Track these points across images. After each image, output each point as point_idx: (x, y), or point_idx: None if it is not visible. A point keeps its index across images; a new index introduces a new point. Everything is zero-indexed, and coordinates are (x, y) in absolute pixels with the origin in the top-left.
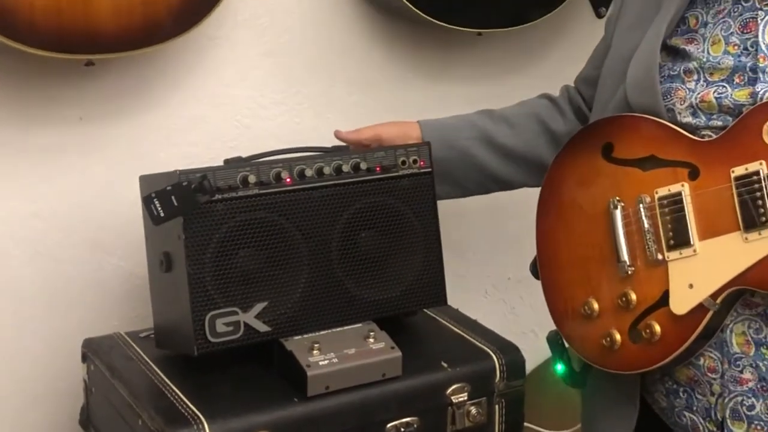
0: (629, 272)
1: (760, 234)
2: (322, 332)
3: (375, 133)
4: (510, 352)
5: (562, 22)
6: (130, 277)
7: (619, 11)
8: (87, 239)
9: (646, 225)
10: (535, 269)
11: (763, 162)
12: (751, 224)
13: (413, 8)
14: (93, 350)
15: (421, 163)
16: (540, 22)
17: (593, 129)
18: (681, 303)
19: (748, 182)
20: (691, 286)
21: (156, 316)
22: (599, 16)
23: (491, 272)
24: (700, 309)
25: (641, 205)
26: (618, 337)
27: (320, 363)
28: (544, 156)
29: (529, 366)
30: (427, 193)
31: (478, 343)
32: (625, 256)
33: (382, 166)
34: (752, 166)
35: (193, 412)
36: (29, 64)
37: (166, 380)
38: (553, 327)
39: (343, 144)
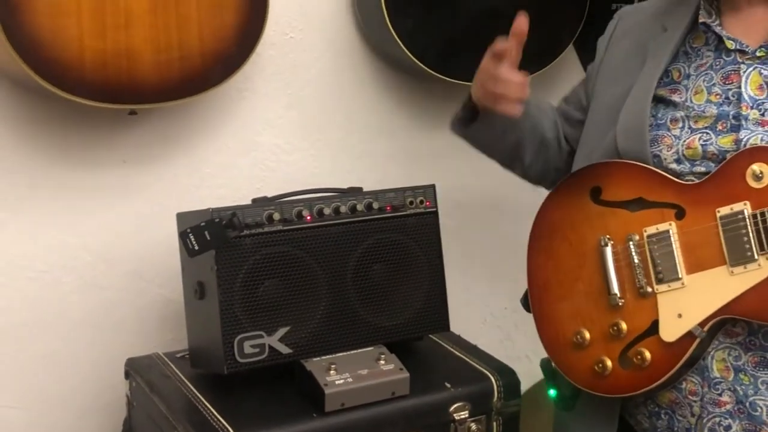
0: (620, 304)
1: (745, 268)
2: (338, 354)
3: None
4: (507, 375)
5: (554, 77)
6: (167, 303)
7: (600, 64)
8: (129, 269)
9: (636, 260)
10: (526, 303)
11: (747, 203)
12: (737, 259)
13: (420, 65)
14: (134, 369)
15: (427, 203)
16: (534, 77)
17: (581, 174)
18: (671, 331)
19: (734, 221)
20: (680, 315)
21: (191, 338)
22: (586, 70)
23: (489, 302)
24: (688, 336)
25: (631, 243)
26: (609, 363)
27: (336, 382)
28: (552, 153)
29: (524, 387)
30: (433, 230)
31: (478, 366)
32: (615, 289)
33: (392, 205)
34: (737, 206)
35: (223, 425)
36: (79, 112)
37: (200, 396)
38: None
39: (357, 186)
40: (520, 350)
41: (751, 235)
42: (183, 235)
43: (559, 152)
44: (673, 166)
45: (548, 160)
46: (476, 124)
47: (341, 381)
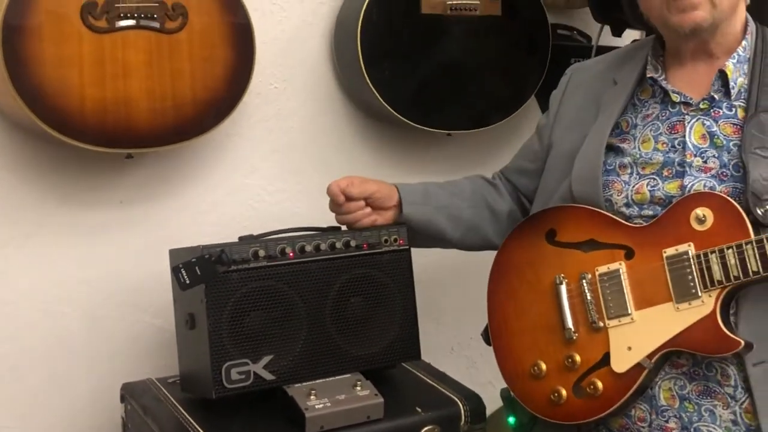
0: (574, 337)
1: (690, 304)
2: (318, 381)
3: (375, 189)
4: (473, 400)
5: (517, 125)
6: (160, 332)
7: (554, 119)
8: (125, 301)
9: (589, 297)
10: (487, 336)
11: (691, 244)
12: (682, 296)
13: (396, 114)
14: (129, 392)
15: (400, 241)
16: (499, 125)
17: (537, 218)
18: (621, 363)
19: (679, 260)
20: (629, 348)
21: (182, 365)
22: None
23: (456, 333)
24: (637, 367)
25: (584, 281)
26: (564, 392)
27: (316, 407)
28: (486, 229)
29: (488, 411)
30: (405, 266)
31: (446, 392)
32: (569, 323)
33: (368, 243)
34: (682, 248)
35: None
36: (80, 156)
37: (190, 419)
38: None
39: (336, 225)
40: (484, 377)
41: (695, 273)
42: (175, 270)
43: (508, 218)
44: (623, 209)
45: (499, 232)
46: None
47: (320, 405)
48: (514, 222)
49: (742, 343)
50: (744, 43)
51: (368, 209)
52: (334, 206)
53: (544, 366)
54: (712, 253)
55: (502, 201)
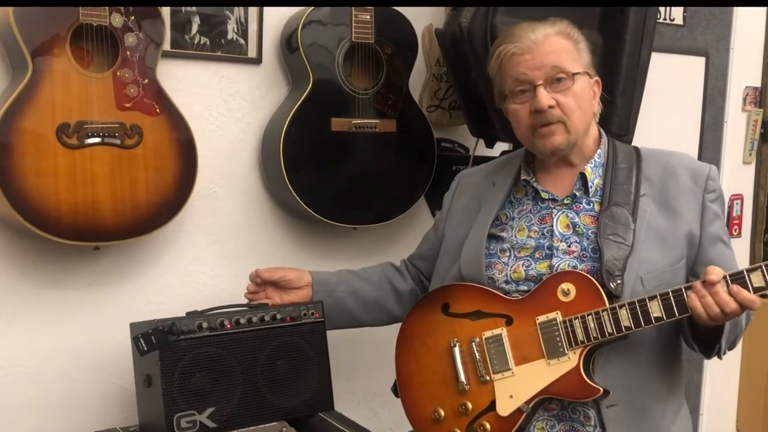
0: (466, 389)
1: (558, 360)
2: (251, 427)
3: (282, 275)
4: None
5: (409, 220)
6: (123, 390)
7: (446, 216)
8: (94, 365)
9: (478, 357)
10: (396, 390)
11: (559, 312)
12: (552, 353)
13: (311, 212)
14: None
15: (317, 315)
16: (395, 220)
17: (434, 294)
18: (505, 408)
19: (549, 325)
20: (511, 396)
21: (141, 416)
22: (434, 215)
23: (362, 389)
24: (518, 411)
25: (473, 343)
26: None
27: None
28: (390, 305)
29: None
30: (321, 335)
31: None
32: (462, 378)
33: (290, 316)
34: (551, 315)
35: None
36: (56, 247)
37: None
38: (406, 428)
39: (265, 301)
40: (385, 424)
41: (562, 335)
42: (135, 340)
43: (408, 296)
44: (503, 285)
45: (402, 307)
46: None
47: None
48: (415, 298)
49: (601, 390)
50: (599, 151)
51: (264, 294)
52: (250, 287)
53: (442, 412)
54: (575, 319)
55: (404, 282)
